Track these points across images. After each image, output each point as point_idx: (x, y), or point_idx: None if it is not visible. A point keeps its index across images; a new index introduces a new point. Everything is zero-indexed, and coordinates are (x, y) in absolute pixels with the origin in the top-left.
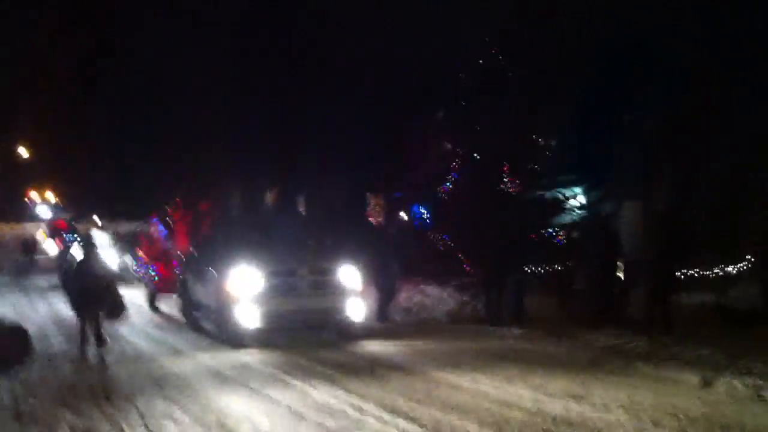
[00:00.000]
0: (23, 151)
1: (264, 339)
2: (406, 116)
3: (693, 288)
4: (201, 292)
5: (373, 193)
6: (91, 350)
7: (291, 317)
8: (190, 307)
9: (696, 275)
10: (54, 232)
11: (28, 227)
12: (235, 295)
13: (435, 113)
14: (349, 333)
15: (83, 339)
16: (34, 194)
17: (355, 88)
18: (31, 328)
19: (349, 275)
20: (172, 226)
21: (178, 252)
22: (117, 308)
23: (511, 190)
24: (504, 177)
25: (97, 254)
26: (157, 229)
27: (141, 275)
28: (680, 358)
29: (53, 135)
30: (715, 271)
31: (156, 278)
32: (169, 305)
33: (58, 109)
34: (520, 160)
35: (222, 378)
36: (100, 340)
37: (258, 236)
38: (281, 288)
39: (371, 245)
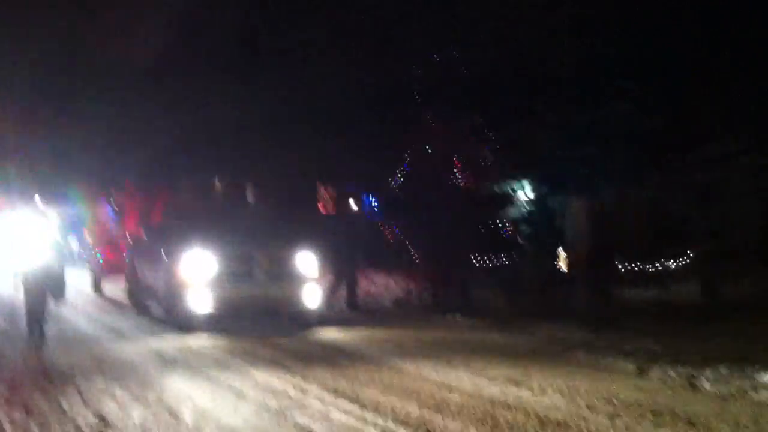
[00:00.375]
0: None
1: (215, 325)
2: (359, 108)
3: (635, 283)
4: (150, 276)
5: (323, 183)
6: (35, 330)
7: (245, 304)
8: (138, 291)
9: (639, 270)
10: None
11: None
12: (187, 280)
13: (388, 107)
14: (303, 321)
15: (29, 319)
16: None
17: (306, 77)
18: None
19: (306, 262)
20: (120, 209)
21: (127, 235)
22: (60, 289)
23: (461, 183)
24: (455, 170)
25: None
26: (104, 212)
27: (86, 258)
28: (619, 348)
29: None
30: (658, 266)
31: (102, 261)
32: (114, 290)
33: None
34: (470, 154)
35: (166, 360)
36: (41, 321)
37: (212, 221)
38: (236, 273)
39: (330, 233)
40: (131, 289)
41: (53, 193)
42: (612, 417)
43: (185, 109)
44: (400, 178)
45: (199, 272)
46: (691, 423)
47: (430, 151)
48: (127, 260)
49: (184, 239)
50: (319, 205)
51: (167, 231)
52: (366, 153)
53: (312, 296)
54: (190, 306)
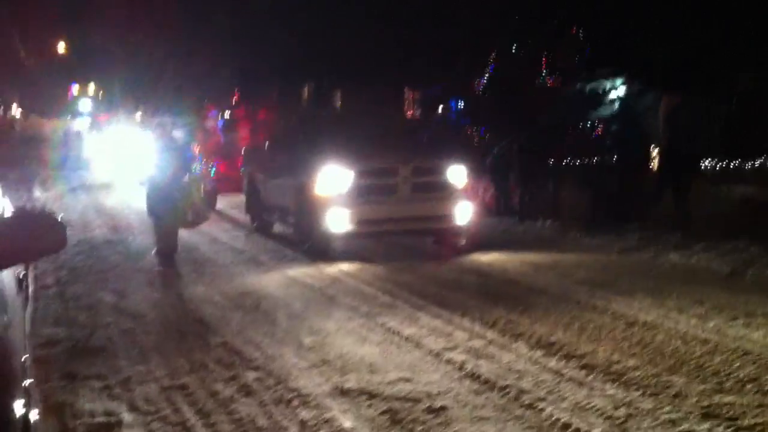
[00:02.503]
0: (61, 47)
1: (355, 250)
2: (444, 11)
3: (735, 180)
4: (275, 194)
5: (410, 88)
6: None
7: (388, 224)
8: (259, 209)
9: (735, 167)
10: (95, 126)
11: (70, 122)
12: (323, 198)
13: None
14: (456, 243)
15: (160, 253)
16: (75, 89)
17: None
18: (76, 219)
19: (458, 176)
20: (231, 120)
21: (243, 149)
22: (199, 215)
23: (549, 84)
24: (542, 71)
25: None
26: (215, 123)
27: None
28: (714, 249)
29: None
30: (754, 163)
31: (214, 176)
32: (228, 207)
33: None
34: (559, 54)
35: (309, 294)
36: (173, 247)
37: (348, 132)
38: (378, 190)
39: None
40: (251, 206)
41: (153, 108)
42: (702, 319)
43: (279, 16)
44: (486, 80)
45: (335, 189)
46: None
47: (515, 51)
48: (244, 175)
49: (316, 152)
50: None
51: (296, 143)
52: (452, 56)
53: (466, 215)
54: (328, 228)
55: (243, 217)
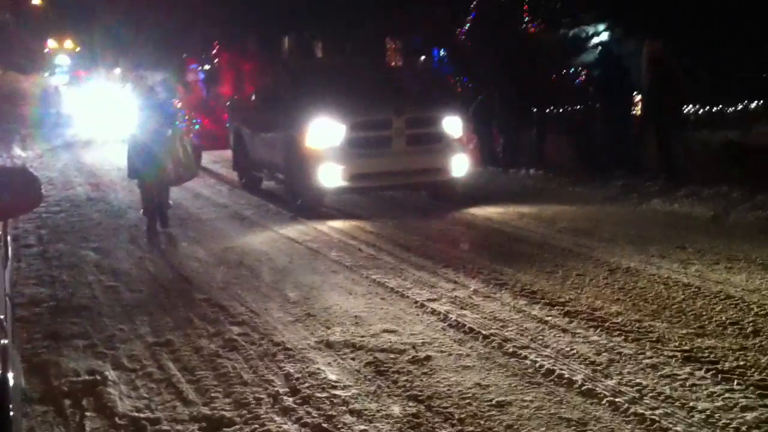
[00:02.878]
0: None
1: (345, 206)
2: None
3: (716, 125)
4: (263, 149)
5: (391, 37)
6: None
7: (383, 179)
8: (246, 165)
9: (717, 112)
10: (73, 82)
11: (48, 78)
12: (314, 153)
13: None
14: (452, 197)
15: (147, 212)
16: (51, 44)
17: None
18: (57, 177)
19: (453, 126)
20: (213, 73)
21: (228, 101)
22: (187, 170)
23: (531, 30)
24: (524, 16)
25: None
26: (195, 77)
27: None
28: (697, 195)
29: None
30: (738, 107)
31: (198, 131)
32: (213, 164)
33: None
34: None
35: (306, 255)
36: (163, 214)
37: (335, 82)
38: (371, 143)
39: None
40: (238, 162)
41: (132, 61)
42: (685, 263)
43: None
44: (468, 27)
45: (327, 143)
46: (766, 268)
47: None
48: (230, 130)
49: (305, 104)
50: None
51: (282, 95)
52: (433, 4)
53: (462, 167)
54: (319, 183)
55: (230, 173)
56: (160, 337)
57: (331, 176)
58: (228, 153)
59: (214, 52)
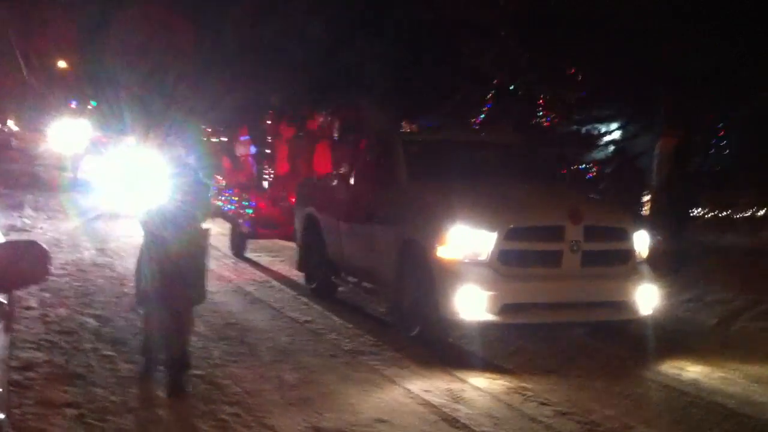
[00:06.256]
0: (63, 63)
1: (475, 342)
2: (443, 43)
3: (724, 229)
4: (355, 249)
5: (408, 120)
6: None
7: (547, 314)
8: (321, 266)
9: (726, 216)
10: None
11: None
12: (449, 268)
13: (471, 40)
14: (641, 344)
15: (147, 348)
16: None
17: (389, 12)
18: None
19: (641, 243)
20: (272, 146)
21: (301, 181)
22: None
23: (545, 123)
24: (539, 110)
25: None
26: (246, 150)
27: (226, 210)
28: (701, 300)
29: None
30: (747, 213)
31: (252, 215)
32: (262, 256)
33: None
34: (556, 94)
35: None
36: (183, 362)
37: (476, 167)
38: (534, 260)
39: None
40: (308, 260)
41: (168, 129)
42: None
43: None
44: (484, 116)
45: (469, 256)
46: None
47: (514, 89)
48: (299, 218)
49: (438, 199)
50: None
51: (400, 182)
52: (450, 91)
53: (647, 298)
54: (452, 312)
55: (285, 270)
56: (152, 412)
57: (472, 305)
58: (281, 244)
59: (270, 122)
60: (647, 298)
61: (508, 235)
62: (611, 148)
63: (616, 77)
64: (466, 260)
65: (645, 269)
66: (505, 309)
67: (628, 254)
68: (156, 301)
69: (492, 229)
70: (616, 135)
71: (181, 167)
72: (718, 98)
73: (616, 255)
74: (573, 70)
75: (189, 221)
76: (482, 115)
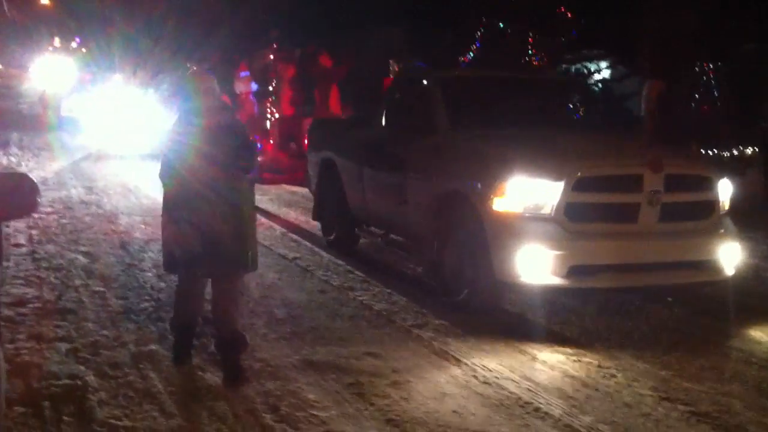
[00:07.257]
0: None
1: (533, 307)
2: None
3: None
4: (382, 198)
5: (396, 59)
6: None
7: (623, 276)
8: (340, 216)
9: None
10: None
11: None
12: (508, 224)
13: None
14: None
15: (176, 323)
16: (57, 43)
17: None
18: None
19: (725, 194)
20: (275, 83)
21: (312, 122)
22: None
23: (535, 63)
24: (528, 49)
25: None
26: (247, 87)
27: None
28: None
29: None
30: (734, 153)
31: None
32: (274, 204)
33: None
34: (546, 33)
35: None
36: (234, 344)
37: (530, 109)
38: (607, 214)
39: None
40: (325, 210)
41: (152, 68)
42: None
43: None
44: (472, 55)
45: (531, 209)
46: None
47: (503, 27)
48: (313, 162)
49: (490, 144)
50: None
51: (440, 126)
52: (438, 31)
53: (730, 257)
54: (510, 274)
55: (300, 219)
56: (144, 347)
57: (536, 267)
58: (292, 189)
59: (272, 56)
60: (732, 256)
61: (577, 186)
62: (599, 87)
63: (605, 20)
64: (527, 214)
65: (728, 223)
66: (573, 271)
67: (711, 206)
68: (185, 265)
69: (557, 178)
70: (606, 74)
71: (220, 105)
72: (701, 51)
73: (699, 208)
74: (562, 8)
75: (229, 175)
76: (471, 53)
